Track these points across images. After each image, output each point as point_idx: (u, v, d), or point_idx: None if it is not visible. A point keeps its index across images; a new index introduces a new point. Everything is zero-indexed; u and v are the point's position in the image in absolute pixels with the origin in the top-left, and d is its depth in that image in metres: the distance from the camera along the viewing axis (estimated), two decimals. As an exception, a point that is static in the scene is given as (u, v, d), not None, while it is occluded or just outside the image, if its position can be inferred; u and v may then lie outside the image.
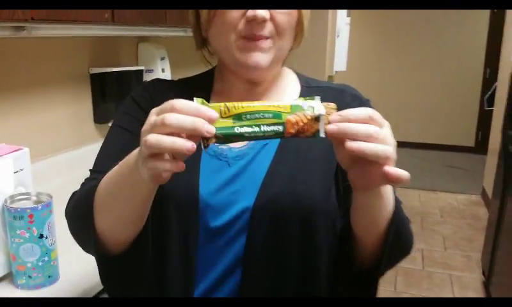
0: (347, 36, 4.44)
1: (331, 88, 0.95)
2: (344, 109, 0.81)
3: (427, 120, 6.48)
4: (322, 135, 0.61)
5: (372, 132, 0.60)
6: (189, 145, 0.57)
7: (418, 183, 5.12)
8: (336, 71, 4.38)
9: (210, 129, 0.58)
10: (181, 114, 0.58)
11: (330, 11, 4.01)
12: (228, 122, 0.60)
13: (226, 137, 0.60)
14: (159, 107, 0.61)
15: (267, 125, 0.60)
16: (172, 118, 0.57)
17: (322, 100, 0.82)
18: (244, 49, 0.80)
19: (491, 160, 4.13)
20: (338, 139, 0.61)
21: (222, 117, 0.60)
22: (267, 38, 0.79)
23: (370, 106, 0.91)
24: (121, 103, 0.95)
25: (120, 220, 0.76)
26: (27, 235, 1.12)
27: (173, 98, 0.66)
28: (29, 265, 1.13)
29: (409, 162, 5.95)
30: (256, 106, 0.60)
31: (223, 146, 0.84)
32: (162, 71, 2.40)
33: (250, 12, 0.76)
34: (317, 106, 0.61)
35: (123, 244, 0.80)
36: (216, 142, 0.60)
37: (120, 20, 1.74)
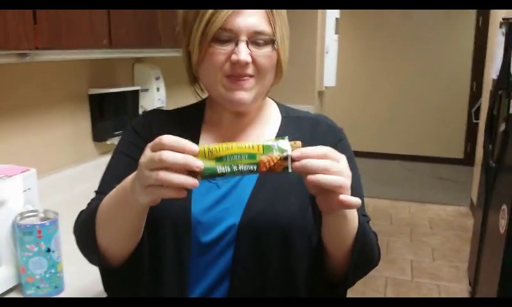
0: (336, 52, 4.57)
1: (308, 118, 1.04)
2: (319, 137, 0.94)
3: (417, 133, 6.61)
4: (290, 170, 0.73)
5: (328, 166, 0.72)
6: (194, 182, 0.70)
7: (408, 195, 5.24)
8: (326, 87, 4.50)
9: (199, 164, 0.70)
10: (167, 148, 0.69)
11: (319, 28, 4.14)
12: (212, 163, 0.71)
13: (210, 175, 0.72)
14: (152, 142, 0.72)
15: (243, 164, 0.72)
16: (168, 156, 0.69)
17: (300, 130, 0.93)
18: (229, 88, 0.91)
19: (478, 172, 4.25)
20: (303, 173, 0.73)
21: (206, 158, 0.71)
22: (249, 77, 0.90)
23: (343, 134, 1.02)
24: (123, 131, 1.07)
25: (117, 236, 0.87)
26: (35, 249, 1.21)
27: (169, 127, 0.81)
28: (37, 276, 1.22)
29: (399, 174, 6.08)
30: (233, 148, 0.72)
31: None
32: (157, 90, 2.50)
33: (234, 57, 0.87)
34: (285, 147, 0.73)
35: (121, 257, 0.90)
36: (201, 179, 0.71)
37: (117, 44, 1.85)
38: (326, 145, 0.90)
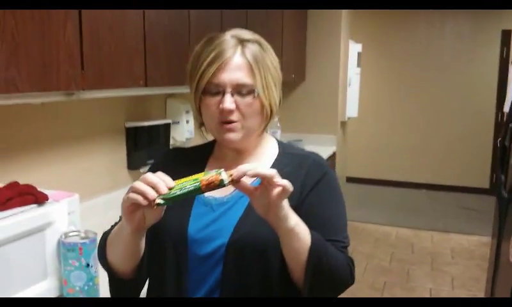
0: (358, 84, 4.75)
1: (300, 155, 1.21)
2: (305, 169, 1.15)
3: (442, 162, 6.64)
4: (226, 182, 0.92)
5: (257, 166, 0.91)
6: (154, 194, 0.93)
7: (431, 224, 5.29)
8: (348, 117, 4.67)
9: (163, 190, 0.93)
10: (157, 177, 0.94)
11: (341, 62, 4.34)
12: (168, 192, 0.95)
13: (167, 200, 0.94)
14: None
15: (189, 185, 0.93)
16: (149, 176, 0.94)
17: (290, 164, 1.14)
18: (220, 131, 1.11)
19: (500, 203, 4.29)
20: (249, 193, 0.94)
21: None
22: (235, 121, 1.09)
23: (329, 169, 1.19)
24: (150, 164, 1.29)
25: (120, 256, 1.11)
26: (77, 264, 1.41)
27: (181, 163, 1.12)
28: (77, 288, 1.42)
29: (424, 204, 6.13)
30: (182, 180, 0.95)
31: (209, 196, 1.13)
32: (187, 122, 2.72)
33: (221, 106, 1.07)
34: (220, 169, 0.94)
35: (126, 272, 1.13)
36: (161, 204, 0.94)
37: (152, 84, 2.08)
38: (311, 177, 1.13)
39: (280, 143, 1.25)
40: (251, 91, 1.08)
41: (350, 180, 5.81)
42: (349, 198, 6.20)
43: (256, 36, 1.14)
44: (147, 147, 2.46)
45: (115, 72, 1.86)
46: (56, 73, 1.58)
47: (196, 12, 2.38)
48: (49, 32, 1.54)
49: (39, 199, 1.43)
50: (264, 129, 1.19)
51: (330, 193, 1.16)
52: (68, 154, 2.08)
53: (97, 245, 1.44)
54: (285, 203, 0.96)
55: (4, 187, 1.43)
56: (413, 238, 4.91)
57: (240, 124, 1.10)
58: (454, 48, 6.47)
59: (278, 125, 4.11)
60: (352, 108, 4.64)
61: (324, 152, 4.15)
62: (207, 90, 1.08)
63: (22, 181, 1.48)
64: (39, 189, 1.46)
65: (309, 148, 4.37)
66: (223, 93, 1.07)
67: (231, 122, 1.09)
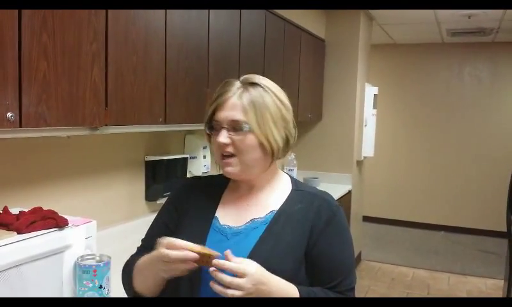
0: (374, 125, 4.84)
1: (311, 193, 1.26)
2: (315, 209, 1.20)
3: (460, 204, 6.59)
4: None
5: (221, 278, 1.04)
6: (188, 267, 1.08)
7: (448, 266, 5.25)
8: (364, 157, 4.75)
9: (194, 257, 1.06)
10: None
11: (357, 104, 4.46)
12: None
13: None
14: (166, 245, 1.08)
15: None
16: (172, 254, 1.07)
17: (301, 201, 1.22)
18: (222, 164, 1.21)
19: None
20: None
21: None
22: (231, 155, 1.18)
23: (339, 211, 1.23)
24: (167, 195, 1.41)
25: (148, 287, 1.21)
26: (90, 285, 1.53)
27: (198, 193, 1.23)
28: (90, 307, 1.54)
29: (441, 245, 6.08)
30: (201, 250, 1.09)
31: (224, 225, 1.22)
32: (204, 157, 2.86)
33: (217, 139, 1.17)
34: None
35: (152, 295, 1.23)
36: None
37: (171, 121, 2.23)
38: (320, 217, 1.19)
39: (293, 180, 1.30)
40: (243, 127, 1.16)
41: (366, 219, 5.82)
42: (365, 237, 6.22)
43: (263, 81, 1.20)
44: (165, 180, 2.60)
45: (136, 110, 2.01)
46: (81, 109, 1.73)
47: (215, 56, 2.55)
48: (77, 73, 1.70)
49: (59, 223, 1.55)
50: (270, 165, 1.24)
51: (339, 236, 1.21)
52: (90, 184, 2.23)
53: (110, 268, 1.57)
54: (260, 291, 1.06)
55: (29, 211, 1.57)
56: (430, 279, 4.88)
57: (237, 159, 1.18)
58: (473, 92, 6.51)
59: (295, 162, 4.22)
60: (368, 148, 4.73)
61: (340, 190, 4.23)
62: (212, 127, 1.20)
63: (45, 207, 1.61)
64: (60, 215, 1.60)
65: (324, 185, 4.46)
66: (220, 129, 1.18)
67: (229, 156, 1.18)
